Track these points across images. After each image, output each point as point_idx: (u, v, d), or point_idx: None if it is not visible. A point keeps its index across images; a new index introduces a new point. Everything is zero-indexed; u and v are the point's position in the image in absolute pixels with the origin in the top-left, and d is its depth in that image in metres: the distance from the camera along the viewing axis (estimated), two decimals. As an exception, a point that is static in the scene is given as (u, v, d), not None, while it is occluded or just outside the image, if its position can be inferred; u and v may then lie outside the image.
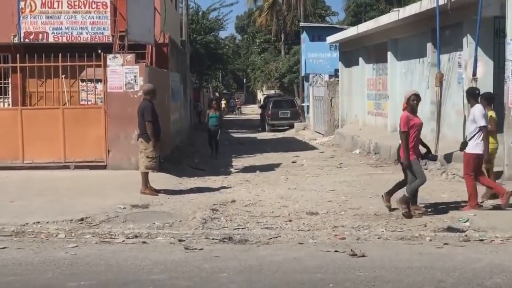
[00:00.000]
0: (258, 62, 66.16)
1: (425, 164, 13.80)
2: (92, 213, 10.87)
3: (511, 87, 13.80)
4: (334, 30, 34.31)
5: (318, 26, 42.47)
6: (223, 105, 57.44)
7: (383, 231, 9.82)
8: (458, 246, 8.88)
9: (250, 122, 49.64)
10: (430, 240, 9.29)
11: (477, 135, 11.16)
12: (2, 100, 19.88)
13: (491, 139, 11.79)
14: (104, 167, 15.45)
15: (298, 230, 9.98)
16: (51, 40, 19.26)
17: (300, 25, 44.31)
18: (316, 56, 38.34)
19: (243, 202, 12.40)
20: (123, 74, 15.36)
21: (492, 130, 11.86)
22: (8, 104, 19.63)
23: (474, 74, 14.89)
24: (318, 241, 9.27)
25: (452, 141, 16.58)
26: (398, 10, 19.95)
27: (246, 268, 7.70)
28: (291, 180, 15.90)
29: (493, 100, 12.75)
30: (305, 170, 18.13)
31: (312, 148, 25.97)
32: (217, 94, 65.52)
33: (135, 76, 15.36)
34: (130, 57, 15.55)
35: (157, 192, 12.96)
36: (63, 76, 16.97)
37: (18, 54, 16.72)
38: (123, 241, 9.34)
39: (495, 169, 14.29)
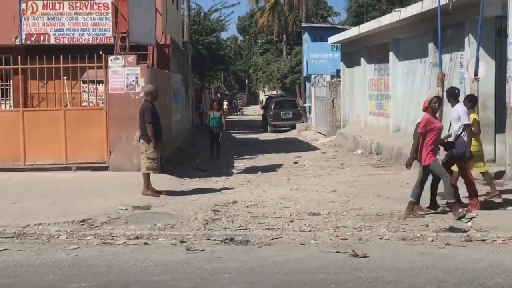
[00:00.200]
0: (260, 63, 66.13)
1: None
2: (94, 215, 10.86)
3: (513, 87, 13.80)
4: (335, 30, 34.31)
5: (319, 27, 42.49)
6: (225, 106, 57.47)
7: (385, 232, 9.81)
8: (460, 246, 8.88)
9: (252, 123, 49.65)
10: (432, 240, 9.29)
11: (462, 133, 11.21)
12: (3, 101, 19.88)
13: (474, 142, 11.78)
14: (105, 169, 15.45)
15: (300, 231, 9.97)
16: (52, 41, 19.28)
17: (302, 25, 44.35)
18: (318, 56, 38.33)
19: (244, 203, 12.38)
20: (124, 75, 15.35)
21: (475, 132, 11.86)
22: (10, 106, 19.63)
23: (476, 74, 14.86)
24: (319, 241, 9.27)
25: (454, 141, 16.55)
26: (400, 10, 19.94)
27: (247, 269, 7.70)
28: (293, 180, 15.89)
29: (477, 102, 12.89)
30: (307, 171, 18.13)
31: (314, 148, 25.96)
32: (219, 95, 65.50)
33: (136, 77, 15.35)
34: (131, 58, 15.54)
35: (158, 193, 12.95)
36: (64, 77, 16.95)
37: (19, 56, 16.77)
38: (125, 242, 9.34)
39: (498, 168, 14.32)
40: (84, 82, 17.49)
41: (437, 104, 10.85)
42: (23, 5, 19.23)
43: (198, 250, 8.73)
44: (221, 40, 50.37)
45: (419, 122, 11.01)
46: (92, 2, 19.28)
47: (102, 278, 7.34)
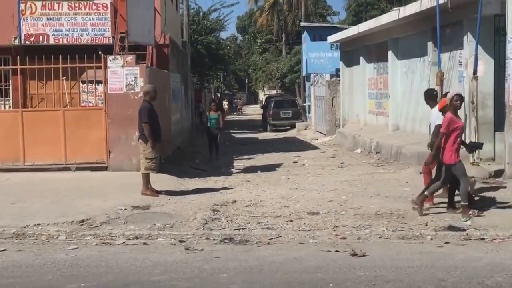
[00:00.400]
0: (260, 62, 66.13)
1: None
2: (93, 215, 10.86)
3: (511, 85, 13.80)
4: (335, 29, 34.31)
5: (319, 26, 42.48)
6: (225, 106, 57.45)
7: (384, 231, 9.80)
8: (459, 245, 8.87)
9: (252, 123, 49.63)
10: (431, 239, 9.28)
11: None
12: (3, 102, 19.88)
13: None
14: (105, 169, 15.44)
15: (299, 230, 9.97)
16: (51, 42, 19.27)
17: (301, 24, 44.31)
18: (317, 55, 38.32)
19: (244, 203, 12.37)
20: (123, 75, 15.35)
21: None
22: (9, 106, 19.63)
23: (475, 72, 14.88)
24: (319, 241, 9.27)
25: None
26: (399, 9, 19.94)
27: (246, 268, 7.70)
28: (292, 180, 15.88)
29: None
30: (306, 170, 18.11)
31: (314, 148, 25.95)
32: (218, 95, 65.45)
33: (135, 77, 15.35)
34: (130, 58, 15.54)
35: (158, 193, 12.95)
36: (63, 78, 16.96)
37: (18, 56, 16.75)
38: (124, 242, 9.34)
39: (497, 167, 14.33)
40: (83, 82, 17.49)
41: (458, 102, 10.66)
42: (22, 6, 19.22)
43: (197, 249, 8.73)
44: (220, 40, 50.39)
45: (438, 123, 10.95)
46: (91, 2, 19.28)
47: (101, 278, 7.34)
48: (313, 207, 11.76)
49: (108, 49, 16.99)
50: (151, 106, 12.90)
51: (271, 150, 24.81)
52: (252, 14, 77.29)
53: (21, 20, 19.26)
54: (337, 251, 8.50)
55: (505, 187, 12.91)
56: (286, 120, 39.19)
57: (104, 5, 19.17)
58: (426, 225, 10.11)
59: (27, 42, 19.27)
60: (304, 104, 41.05)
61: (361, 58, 25.92)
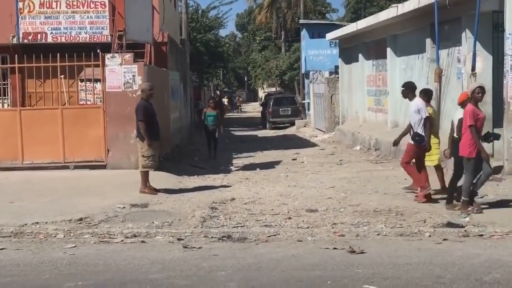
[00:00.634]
0: (259, 60, 66.09)
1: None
2: (91, 213, 10.85)
3: (510, 82, 13.80)
4: (333, 26, 34.24)
5: (317, 23, 42.40)
6: (225, 103, 57.38)
7: (382, 228, 9.80)
8: (457, 242, 8.88)
9: (251, 120, 49.61)
10: (430, 236, 9.28)
11: (422, 126, 11.52)
12: (1, 101, 19.85)
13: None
14: (103, 167, 15.43)
15: (297, 228, 9.96)
16: (49, 40, 19.23)
17: (300, 22, 44.27)
18: (316, 53, 38.31)
19: (242, 200, 12.36)
20: (121, 73, 15.33)
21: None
22: (8, 105, 19.61)
23: (473, 69, 14.87)
24: (317, 238, 9.26)
25: (452, 136, 16.55)
26: (397, 6, 19.90)
27: (244, 266, 7.69)
28: (291, 177, 15.87)
29: (432, 96, 12.98)
30: (305, 167, 18.11)
31: (313, 145, 25.95)
32: (218, 92, 65.40)
33: (133, 75, 15.33)
34: (128, 56, 15.52)
35: (156, 191, 12.94)
36: (62, 76, 16.96)
37: (16, 55, 16.69)
38: (122, 240, 9.33)
39: (496, 163, 14.30)
40: (81, 80, 17.46)
41: (480, 95, 10.60)
42: (20, 4, 19.19)
43: (195, 247, 8.73)
44: (219, 38, 50.37)
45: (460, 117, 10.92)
46: (89, 0, 19.23)
47: (99, 277, 7.34)
48: (311, 205, 11.75)
49: (106, 47, 16.97)
50: (147, 104, 12.89)
51: (270, 148, 24.82)
52: (251, 12, 77.17)
53: (19, 19, 19.23)
54: (335, 248, 8.50)
55: (503, 184, 12.90)
56: (286, 118, 39.18)
57: (103, 3, 19.13)
58: (425, 222, 10.11)
59: (25, 41, 19.24)
60: (304, 102, 41.02)
61: (360, 55, 25.90)
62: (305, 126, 36.50)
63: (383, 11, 22.50)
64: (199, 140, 25.58)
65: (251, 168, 18.30)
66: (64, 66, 16.06)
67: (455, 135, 11.03)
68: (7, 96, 20.02)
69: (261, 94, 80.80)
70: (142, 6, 17.47)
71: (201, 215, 10.78)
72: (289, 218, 10.68)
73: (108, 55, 15.49)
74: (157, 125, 13.04)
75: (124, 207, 11.43)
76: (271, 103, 39.55)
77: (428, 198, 11.54)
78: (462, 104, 10.91)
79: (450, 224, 9.87)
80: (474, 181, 10.68)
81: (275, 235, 9.49)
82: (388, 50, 21.95)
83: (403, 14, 19.05)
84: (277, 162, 19.46)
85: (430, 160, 12.30)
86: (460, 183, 10.96)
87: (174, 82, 22.53)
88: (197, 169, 17.85)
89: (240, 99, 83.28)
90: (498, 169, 14.00)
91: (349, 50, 28.06)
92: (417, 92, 12.54)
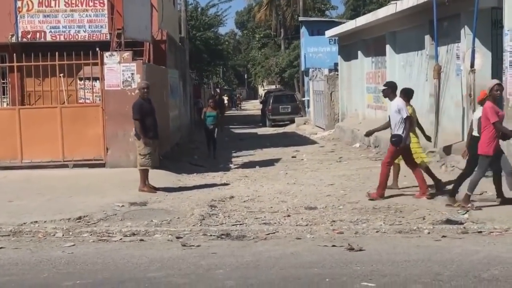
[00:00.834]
0: (259, 58, 65.99)
1: None
2: (90, 212, 10.85)
3: (509, 78, 13.77)
4: (333, 24, 34.22)
5: (317, 21, 42.30)
6: (225, 101, 57.32)
7: (381, 225, 9.80)
8: (456, 239, 8.87)
9: (251, 118, 49.59)
10: (428, 232, 9.28)
11: (403, 126, 11.59)
12: (0, 100, 19.86)
13: (411, 134, 12.21)
14: (103, 165, 15.43)
15: (296, 225, 9.96)
16: (48, 39, 19.22)
17: (299, 19, 44.22)
18: (315, 50, 38.26)
19: (241, 198, 12.36)
20: (120, 71, 15.33)
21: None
22: (7, 104, 19.61)
23: (472, 65, 14.84)
24: (316, 236, 9.26)
25: (452, 133, 16.56)
26: (396, 3, 19.86)
27: (242, 264, 7.69)
28: (290, 175, 15.86)
29: (412, 95, 12.97)
30: (304, 165, 18.09)
31: (313, 142, 25.92)
32: (218, 90, 65.37)
33: (132, 74, 15.32)
34: (127, 54, 15.52)
35: (155, 189, 12.93)
36: (61, 75, 16.96)
37: (15, 54, 16.69)
38: (121, 239, 9.34)
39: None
40: (80, 79, 17.45)
41: (498, 92, 10.64)
42: (19, 3, 19.17)
43: (194, 246, 8.73)
44: (219, 35, 50.29)
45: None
46: (87, -2, 19.23)
47: (97, 275, 7.33)
48: (310, 202, 11.76)
49: (105, 46, 16.97)
50: (142, 102, 12.87)
51: (270, 145, 24.80)
52: (250, 9, 77.12)
53: (18, 17, 19.22)
54: (334, 246, 8.50)
55: (502, 181, 12.88)
56: (285, 115, 39.12)
57: (101, 1, 19.11)
58: (424, 219, 10.11)
59: (24, 40, 19.23)
60: (303, 99, 40.99)
61: (359, 52, 25.88)
62: (305, 124, 36.46)
63: (382, 8, 22.45)
64: (199, 138, 25.56)
65: (251, 166, 18.29)
66: (63, 65, 16.10)
67: (474, 133, 10.95)
68: (6, 95, 20.00)
69: (261, 91, 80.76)
70: (140, 4, 17.46)
71: (200, 213, 10.78)
72: (288, 215, 10.68)
73: (106, 54, 15.48)
74: (154, 123, 13.01)
75: (123, 206, 11.44)
76: (271, 101, 39.50)
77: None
78: (482, 102, 10.87)
79: (449, 221, 9.87)
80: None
81: (274, 233, 9.48)
82: (387, 47, 21.93)
83: (402, 11, 19.01)
84: (277, 160, 19.45)
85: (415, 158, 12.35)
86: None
87: (173, 80, 22.50)
88: (197, 167, 17.84)
89: (240, 97, 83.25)
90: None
91: (349, 47, 28.03)
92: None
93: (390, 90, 12.14)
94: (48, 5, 19.28)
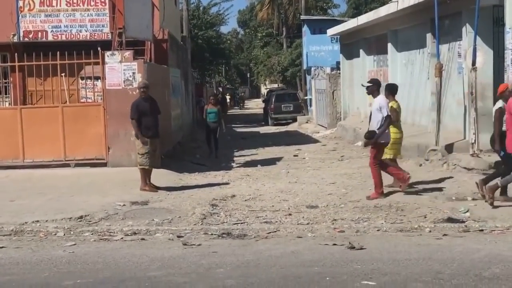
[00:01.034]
0: (261, 56, 65.95)
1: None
2: (92, 211, 10.86)
3: (511, 76, 13.75)
4: (335, 22, 34.10)
5: (319, 19, 42.23)
6: (228, 100, 57.27)
7: (382, 223, 9.80)
8: (457, 237, 8.87)
9: (254, 116, 49.60)
10: (430, 231, 9.27)
11: (384, 124, 11.63)
12: (2, 99, 19.88)
13: (394, 129, 12.40)
14: (104, 165, 15.44)
15: (297, 224, 9.96)
16: (50, 38, 19.20)
17: (301, 18, 44.17)
18: (317, 49, 38.16)
19: (243, 197, 12.36)
20: (121, 71, 15.32)
21: (393, 120, 12.24)
22: (9, 104, 19.63)
23: (474, 63, 14.82)
24: (317, 234, 9.26)
25: (453, 131, 16.54)
26: (397, 1, 19.83)
27: (243, 263, 7.68)
28: (292, 173, 15.85)
29: (397, 91, 13.15)
30: (306, 164, 18.08)
31: (315, 141, 25.91)
32: (220, 89, 65.36)
33: (133, 73, 15.32)
34: (128, 53, 15.51)
35: (157, 188, 12.93)
36: (62, 74, 16.97)
37: (17, 53, 16.71)
38: (122, 238, 9.35)
39: (497, 158, 14.27)
40: (82, 78, 17.46)
41: None
42: (20, 3, 19.17)
43: (194, 245, 8.73)
44: (221, 34, 50.28)
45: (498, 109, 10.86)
46: (89, -2, 19.23)
47: (98, 275, 7.33)
48: (312, 201, 11.76)
49: (107, 45, 16.96)
50: (140, 102, 12.88)
51: (272, 144, 24.78)
52: (253, 8, 77.07)
53: (20, 17, 19.21)
54: (335, 244, 8.50)
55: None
56: (288, 114, 39.07)
57: (103, 1, 19.09)
58: (425, 217, 10.09)
59: (26, 39, 19.22)
60: (306, 98, 40.96)
61: (361, 51, 25.87)
62: (307, 122, 36.42)
63: (383, 6, 22.44)
64: (201, 137, 25.52)
65: (252, 164, 18.29)
66: (64, 64, 16.11)
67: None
68: (8, 94, 20.02)
69: (264, 90, 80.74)
70: (141, 4, 17.44)
71: (201, 212, 10.79)
72: (290, 214, 10.68)
73: (107, 53, 15.48)
74: (155, 123, 12.99)
75: (124, 205, 11.44)
76: (273, 100, 39.47)
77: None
78: (502, 95, 10.84)
79: (450, 220, 9.87)
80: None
81: (275, 231, 9.48)
82: (389, 45, 21.91)
83: (403, 9, 18.99)
84: (279, 159, 19.44)
85: (386, 153, 12.40)
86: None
87: (175, 79, 22.48)
88: (198, 166, 17.83)
89: (243, 95, 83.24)
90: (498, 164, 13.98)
91: (350, 45, 28.02)
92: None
93: (375, 87, 12.14)
94: (49, 5, 19.27)
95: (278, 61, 55.64)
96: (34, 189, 13.09)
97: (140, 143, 12.74)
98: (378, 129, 11.67)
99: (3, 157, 15.68)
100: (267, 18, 62.71)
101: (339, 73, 30.04)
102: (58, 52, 15.71)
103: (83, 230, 9.80)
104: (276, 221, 10.20)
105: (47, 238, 9.43)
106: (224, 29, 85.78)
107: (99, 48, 15.95)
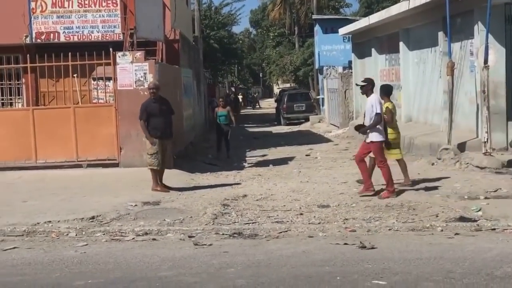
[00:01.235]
0: (273, 56, 65.97)
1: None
2: (103, 211, 10.89)
3: (523, 74, 13.70)
4: (346, 21, 34.04)
5: (331, 18, 42.15)
6: (240, 100, 57.21)
7: (394, 223, 9.75)
8: (469, 236, 8.81)
9: (266, 116, 49.60)
10: (442, 230, 9.22)
11: (374, 121, 11.70)
12: (15, 100, 19.99)
13: (390, 130, 12.31)
14: (116, 165, 15.48)
15: (309, 223, 9.93)
16: (62, 39, 19.31)
17: (313, 17, 44.14)
18: (329, 48, 38.14)
19: (254, 197, 12.34)
20: (132, 71, 15.36)
21: (388, 121, 12.24)
22: (22, 105, 19.73)
23: (486, 61, 14.75)
24: (328, 234, 9.23)
25: (466, 130, 16.47)
26: (409, 0, 19.78)
27: (254, 263, 7.67)
28: (303, 173, 15.84)
29: (392, 92, 13.10)
30: (318, 163, 18.07)
31: (327, 140, 25.88)
32: (233, 89, 65.41)
33: (144, 73, 15.35)
34: (139, 54, 15.55)
35: (168, 188, 12.95)
36: (74, 75, 17.04)
37: (29, 55, 16.79)
38: (133, 238, 9.36)
39: (510, 157, 14.21)
40: (94, 79, 17.52)
41: None
42: (33, 4, 19.28)
43: (206, 245, 8.72)
44: (233, 34, 50.34)
45: None
46: (101, -1, 19.30)
47: (109, 275, 7.35)
48: (323, 200, 11.73)
49: (118, 46, 17.04)
50: (149, 103, 12.90)
51: (284, 144, 24.78)
52: (265, 8, 77.05)
53: (32, 19, 19.32)
54: (346, 244, 8.47)
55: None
56: (300, 113, 39.04)
57: (114, 1, 19.17)
58: (437, 216, 10.04)
59: (38, 40, 19.33)
60: (318, 97, 40.91)
61: (373, 50, 25.80)
62: (319, 122, 36.40)
63: (395, 5, 22.38)
64: (213, 137, 25.55)
65: (264, 164, 18.29)
66: (76, 65, 16.19)
67: None
68: (22, 96, 20.12)
69: (276, 90, 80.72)
70: (152, 4, 17.50)
71: (212, 212, 10.79)
72: (301, 214, 10.65)
73: (119, 53, 15.52)
74: (165, 123, 12.98)
75: (136, 205, 11.46)
76: (286, 99, 39.45)
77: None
78: None
79: (462, 219, 9.81)
80: None
81: (286, 231, 9.46)
82: (401, 44, 21.85)
83: (415, 7, 18.94)
84: (290, 158, 19.43)
85: (392, 154, 12.47)
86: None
87: (187, 80, 22.52)
88: (210, 166, 17.86)
89: (256, 96, 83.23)
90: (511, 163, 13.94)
91: (362, 44, 27.96)
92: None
93: (370, 86, 12.16)
94: (61, 6, 19.37)
95: (290, 60, 55.61)
96: (47, 190, 13.15)
97: (149, 143, 12.76)
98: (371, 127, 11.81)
99: (16, 158, 15.76)
100: (279, 18, 62.72)
101: (351, 72, 29.98)
102: (70, 53, 15.77)
103: (94, 231, 9.82)
104: (287, 221, 10.18)
105: (59, 239, 9.46)
106: (236, 29, 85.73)
107: (110, 49, 16.02)
